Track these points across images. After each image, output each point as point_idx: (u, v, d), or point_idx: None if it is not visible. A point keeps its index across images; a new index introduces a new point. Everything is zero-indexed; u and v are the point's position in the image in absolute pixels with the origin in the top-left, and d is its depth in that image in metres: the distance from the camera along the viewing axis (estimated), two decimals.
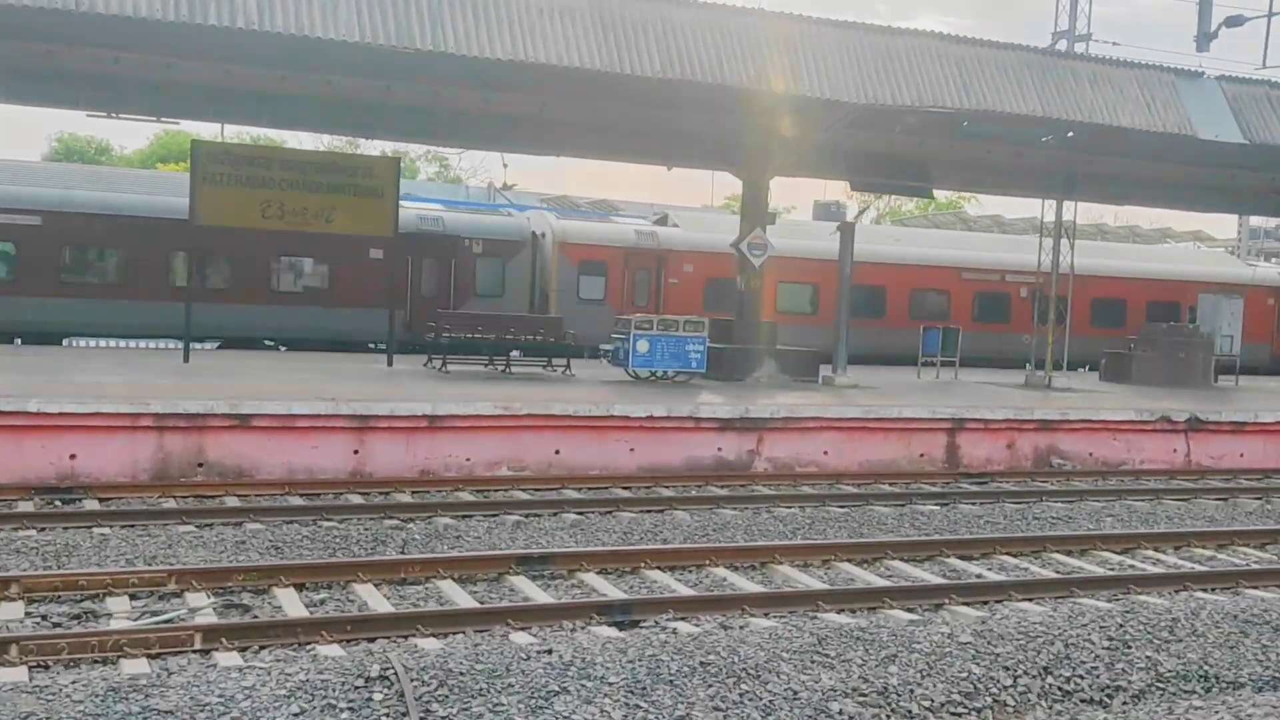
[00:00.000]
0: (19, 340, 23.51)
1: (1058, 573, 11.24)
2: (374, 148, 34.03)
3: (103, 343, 24.44)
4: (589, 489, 14.58)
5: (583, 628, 8.44)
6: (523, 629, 8.22)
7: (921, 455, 17.66)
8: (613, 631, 8.35)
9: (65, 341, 24.02)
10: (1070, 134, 20.61)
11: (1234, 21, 22.27)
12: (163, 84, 18.15)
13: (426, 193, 37.60)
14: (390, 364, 20.45)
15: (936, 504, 14.69)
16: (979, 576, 10.86)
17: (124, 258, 24.07)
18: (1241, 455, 19.66)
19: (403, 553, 10.82)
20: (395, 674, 6.88)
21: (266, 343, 25.35)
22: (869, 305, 29.31)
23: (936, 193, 52.61)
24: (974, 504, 14.89)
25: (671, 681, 7.32)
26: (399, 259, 25.48)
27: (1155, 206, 30.66)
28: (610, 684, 7.19)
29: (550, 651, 7.50)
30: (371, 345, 22.80)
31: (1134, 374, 25.67)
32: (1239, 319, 27.01)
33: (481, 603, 9.09)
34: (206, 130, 34.68)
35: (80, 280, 23.98)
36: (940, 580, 10.54)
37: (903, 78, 18.44)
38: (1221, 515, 15.23)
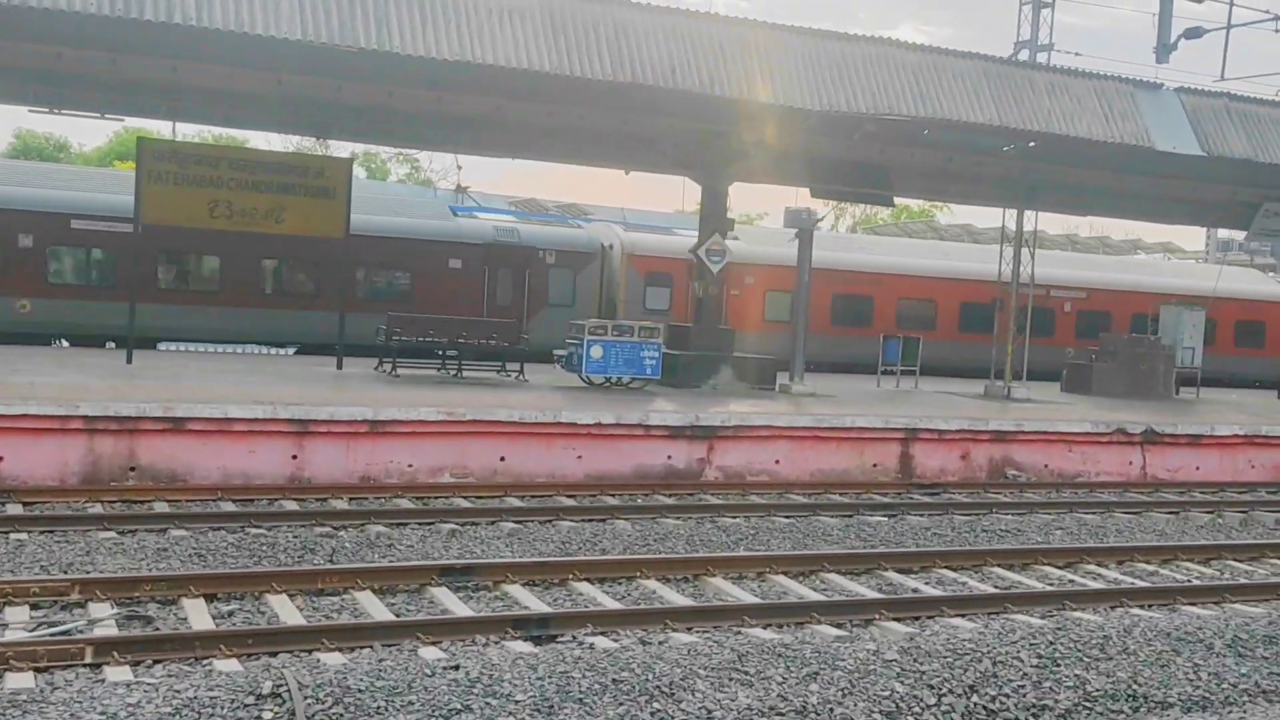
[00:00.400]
0: (111, 344, 23.52)
1: (996, 587, 11.07)
2: (344, 149, 33.76)
3: (193, 347, 24.63)
4: (532, 497, 14.34)
5: (496, 643, 8.18)
6: (433, 644, 7.95)
7: (875, 465, 17.50)
8: (527, 647, 8.10)
9: (160, 345, 24.02)
10: (1032, 144, 20.49)
11: (1193, 33, 22.26)
12: (108, 80, 17.73)
13: (397, 194, 37.39)
14: (340, 366, 20.15)
15: (884, 515, 14.51)
16: (915, 591, 10.68)
17: (217, 264, 24.38)
18: (1197, 468, 19.59)
19: (331, 561, 10.57)
20: (288, 691, 6.63)
21: None
22: (920, 318, 29.69)
23: (909, 201, 52.81)
24: (922, 515, 14.72)
25: (581, 700, 7.09)
26: (476, 269, 26.02)
27: (1118, 217, 30.63)
28: (516, 702, 6.95)
29: (457, 668, 7.25)
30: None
31: (1094, 385, 25.59)
32: (1200, 330, 27.04)
33: (398, 615, 8.83)
34: (167, 129, 34.36)
35: (175, 286, 24.37)
36: (874, 595, 10.34)
37: (859, 85, 18.31)
38: (1172, 529, 15.11)
